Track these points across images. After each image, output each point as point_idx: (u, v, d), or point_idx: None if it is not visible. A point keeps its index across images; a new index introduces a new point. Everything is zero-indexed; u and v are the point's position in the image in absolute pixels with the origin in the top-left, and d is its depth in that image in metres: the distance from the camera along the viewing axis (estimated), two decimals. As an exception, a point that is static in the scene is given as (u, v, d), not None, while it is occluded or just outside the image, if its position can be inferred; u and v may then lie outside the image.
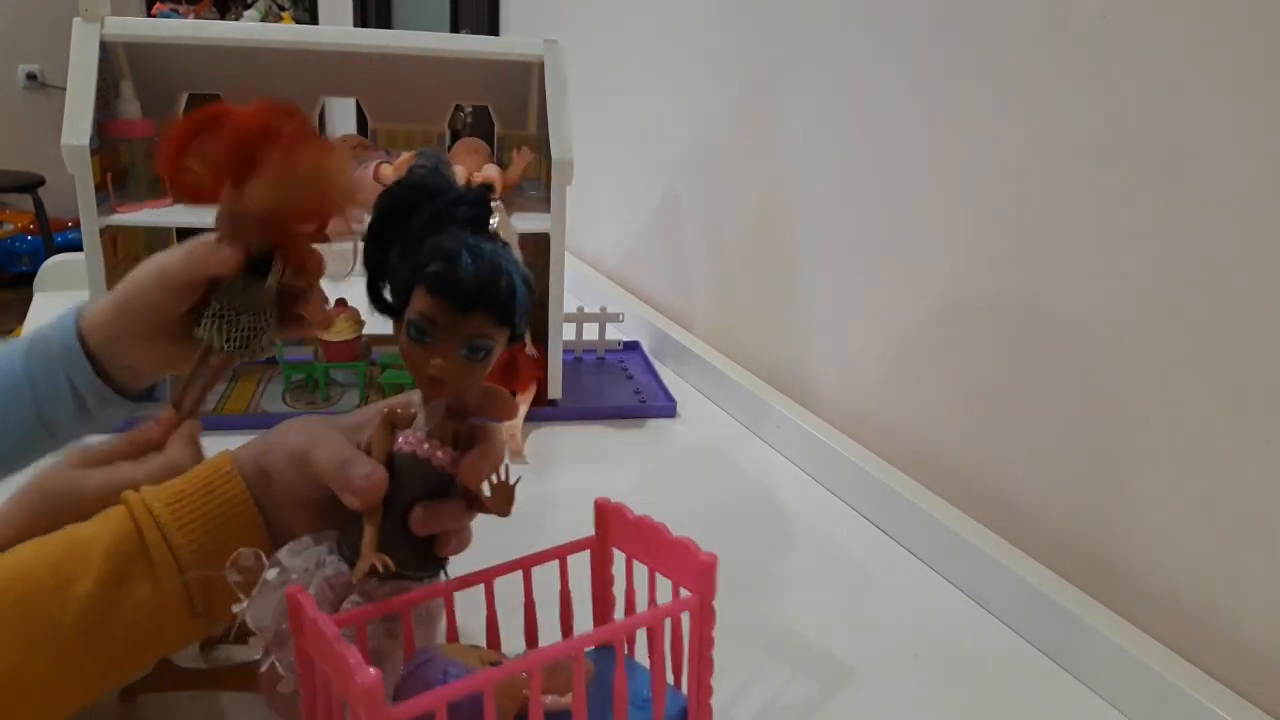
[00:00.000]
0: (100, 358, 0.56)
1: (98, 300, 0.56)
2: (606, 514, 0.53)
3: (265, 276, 0.54)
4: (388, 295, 0.45)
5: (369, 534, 0.44)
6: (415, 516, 0.45)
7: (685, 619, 0.47)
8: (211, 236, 0.54)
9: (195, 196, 0.54)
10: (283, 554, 0.45)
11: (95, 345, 0.56)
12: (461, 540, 0.48)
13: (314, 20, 4.03)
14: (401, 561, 0.45)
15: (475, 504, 0.47)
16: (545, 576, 0.52)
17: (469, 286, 0.41)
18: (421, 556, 0.47)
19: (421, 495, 0.46)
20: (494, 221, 0.46)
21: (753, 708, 0.56)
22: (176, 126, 0.53)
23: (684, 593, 0.48)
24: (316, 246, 0.55)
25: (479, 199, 0.44)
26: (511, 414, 0.50)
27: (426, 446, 0.46)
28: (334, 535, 0.47)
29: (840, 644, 0.63)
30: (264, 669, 0.44)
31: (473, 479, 0.46)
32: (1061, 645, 0.63)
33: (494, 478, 0.46)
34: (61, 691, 0.42)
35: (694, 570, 0.46)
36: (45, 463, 0.54)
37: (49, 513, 0.47)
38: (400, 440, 0.46)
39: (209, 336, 0.54)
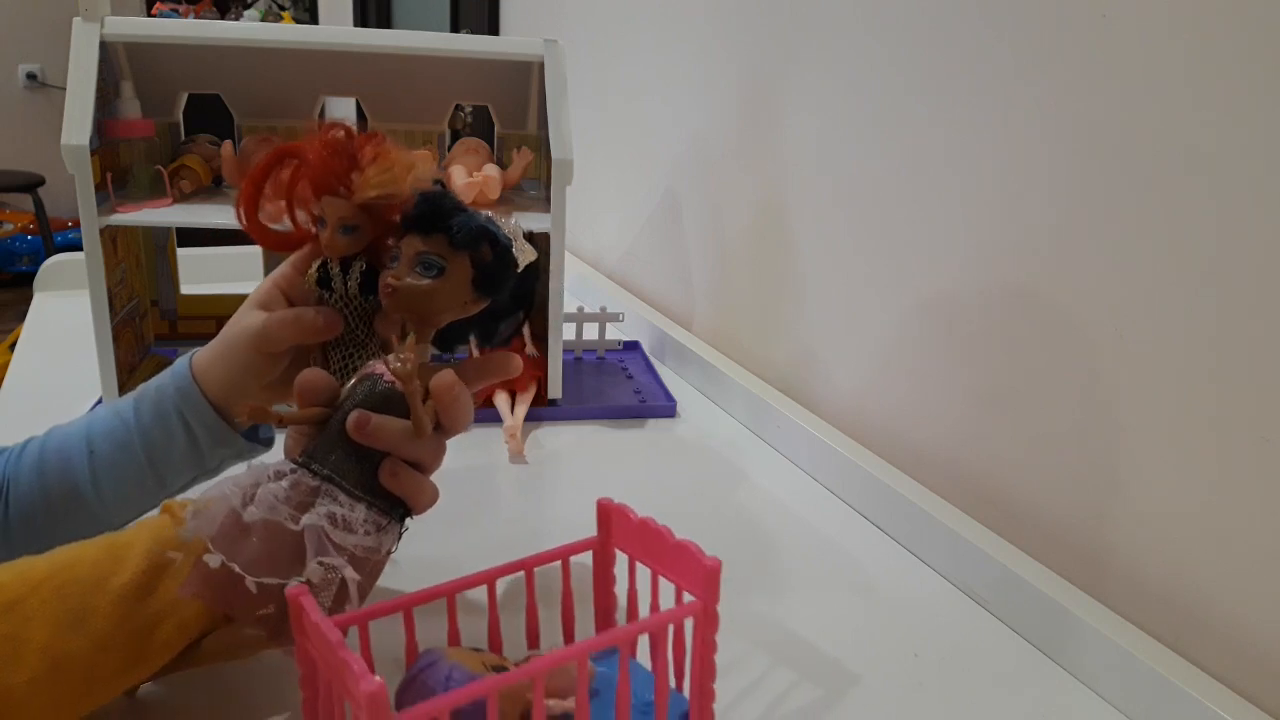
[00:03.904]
0: (217, 404, 0.56)
1: (207, 348, 0.57)
2: (610, 515, 0.53)
3: (372, 304, 0.54)
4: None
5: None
6: (351, 417, 0.46)
7: (689, 623, 0.47)
8: (305, 309, 0.54)
9: (275, 242, 0.54)
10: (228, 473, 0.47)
11: (212, 393, 0.56)
12: (409, 484, 0.48)
13: (314, 20, 4.03)
14: (350, 476, 0.47)
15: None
16: (546, 577, 0.52)
17: (420, 211, 0.47)
18: (365, 474, 0.47)
19: (366, 406, 0.47)
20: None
21: (752, 708, 0.56)
22: (254, 170, 0.52)
23: (687, 597, 0.47)
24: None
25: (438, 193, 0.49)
26: (515, 367, 0.52)
27: (382, 368, 0.48)
28: (279, 464, 0.48)
29: (840, 643, 0.63)
30: (214, 567, 0.44)
31: (441, 395, 0.47)
32: (1061, 644, 0.63)
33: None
34: (90, 676, 0.43)
35: (698, 575, 0.46)
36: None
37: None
38: (371, 367, 0.49)
39: (342, 379, 0.54)
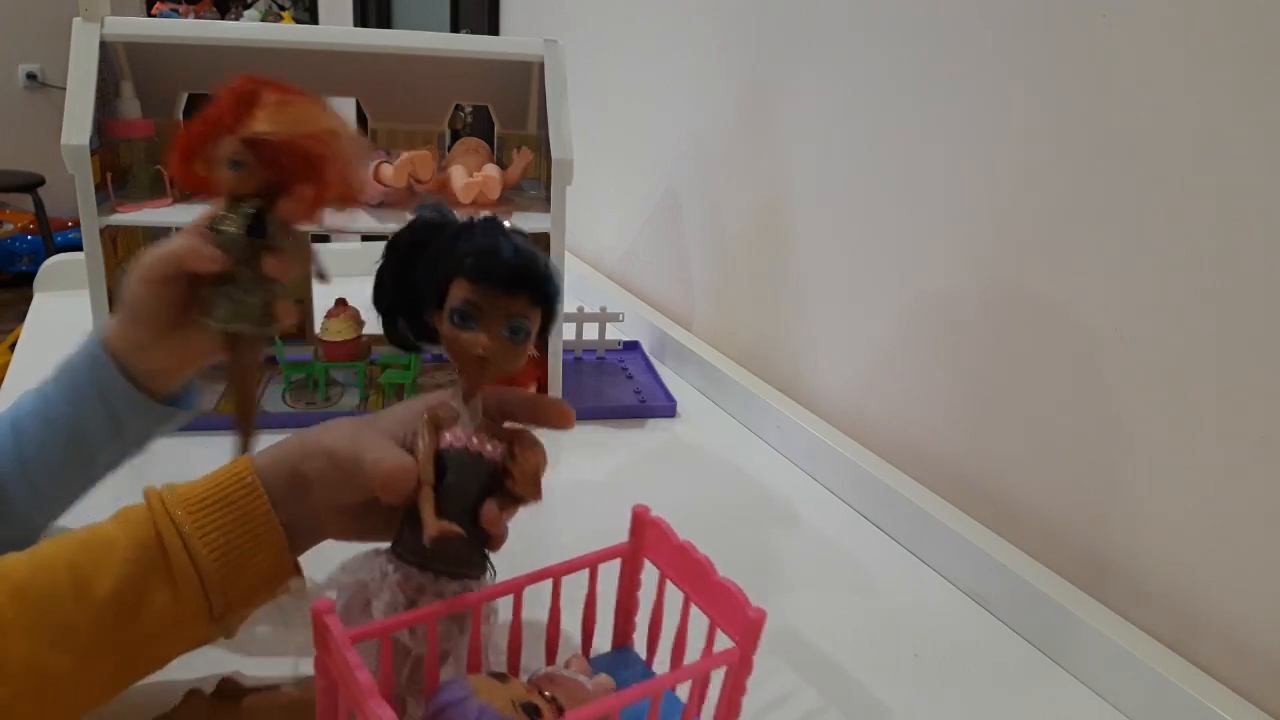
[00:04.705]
0: (126, 365, 0.56)
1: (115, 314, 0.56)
2: (645, 526, 0.52)
3: (261, 245, 0.54)
4: (406, 330, 0.48)
5: (427, 511, 0.44)
6: (490, 513, 0.45)
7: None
8: (193, 238, 0.53)
9: (196, 186, 0.56)
10: (339, 573, 0.46)
11: (117, 353, 0.55)
12: (504, 538, 0.48)
13: (314, 20, 4.03)
14: (459, 558, 0.46)
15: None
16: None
17: (510, 268, 0.44)
18: (477, 553, 0.47)
19: (474, 487, 0.46)
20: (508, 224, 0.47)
21: (753, 708, 0.56)
22: (185, 131, 0.53)
23: (720, 635, 0.47)
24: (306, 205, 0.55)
25: (490, 219, 0.46)
26: (568, 421, 0.50)
27: (476, 440, 0.46)
28: (384, 551, 0.47)
29: (839, 643, 0.63)
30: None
31: (526, 480, 0.46)
32: (1060, 644, 0.63)
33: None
34: (76, 689, 0.42)
35: (740, 621, 0.45)
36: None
37: None
38: (449, 437, 0.46)
39: (225, 325, 0.54)
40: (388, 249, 0.47)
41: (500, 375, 0.46)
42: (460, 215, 0.47)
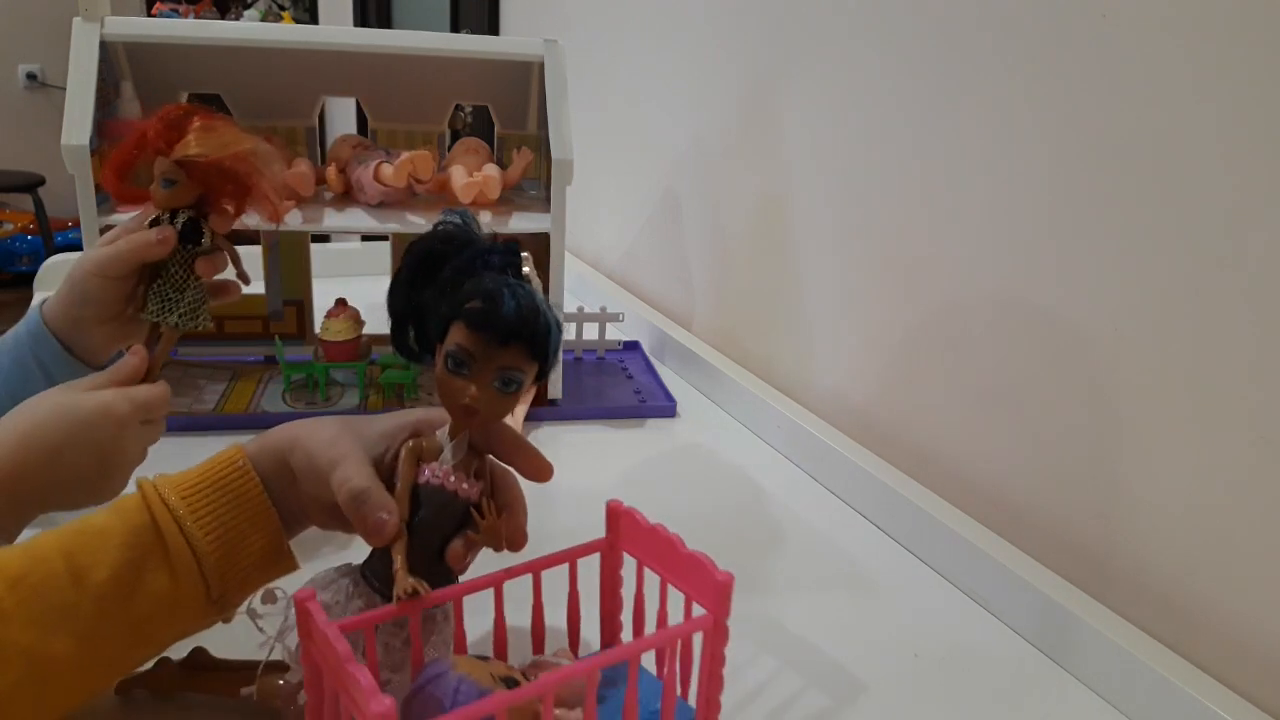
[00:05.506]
0: (64, 340, 0.61)
1: (54, 294, 0.62)
2: (619, 517, 0.53)
3: (193, 252, 0.60)
4: (413, 342, 0.48)
5: (399, 561, 0.45)
6: (456, 551, 0.46)
7: (697, 635, 0.47)
8: (143, 230, 0.60)
9: (129, 198, 0.63)
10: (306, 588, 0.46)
11: (57, 330, 0.61)
12: (466, 570, 0.49)
13: (314, 20, 4.03)
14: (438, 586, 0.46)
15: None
16: (550, 574, 0.52)
17: (509, 322, 0.44)
18: (441, 584, 0.48)
19: (446, 526, 0.47)
20: (525, 270, 0.47)
21: (752, 708, 0.56)
22: (123, 143, 0.60)
23: (696, 608, 0.47)
24: (232, 212, 0.62)
25: (510, 249, 0.46)
26: (544, 476, 0.50)
27: (453, 479, 0.47)
28: (354, 569, 0.48)
29: (839, 644, 0.63)
30: (301, 703, 0.45)
31: (491, 536, 0.47)
32: (1061, 645, 0.63)
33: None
34: (78, 675, 0.43)
35: (710, 589, 0.46)
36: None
37: (47, 424, 0.52)
38: (427, 473, 0.47)
39: (160, 319, 0.60)
40: (405, 254, 0.48)
41: (487, 422, 0.47)
42: (482, 231, 0.47)
